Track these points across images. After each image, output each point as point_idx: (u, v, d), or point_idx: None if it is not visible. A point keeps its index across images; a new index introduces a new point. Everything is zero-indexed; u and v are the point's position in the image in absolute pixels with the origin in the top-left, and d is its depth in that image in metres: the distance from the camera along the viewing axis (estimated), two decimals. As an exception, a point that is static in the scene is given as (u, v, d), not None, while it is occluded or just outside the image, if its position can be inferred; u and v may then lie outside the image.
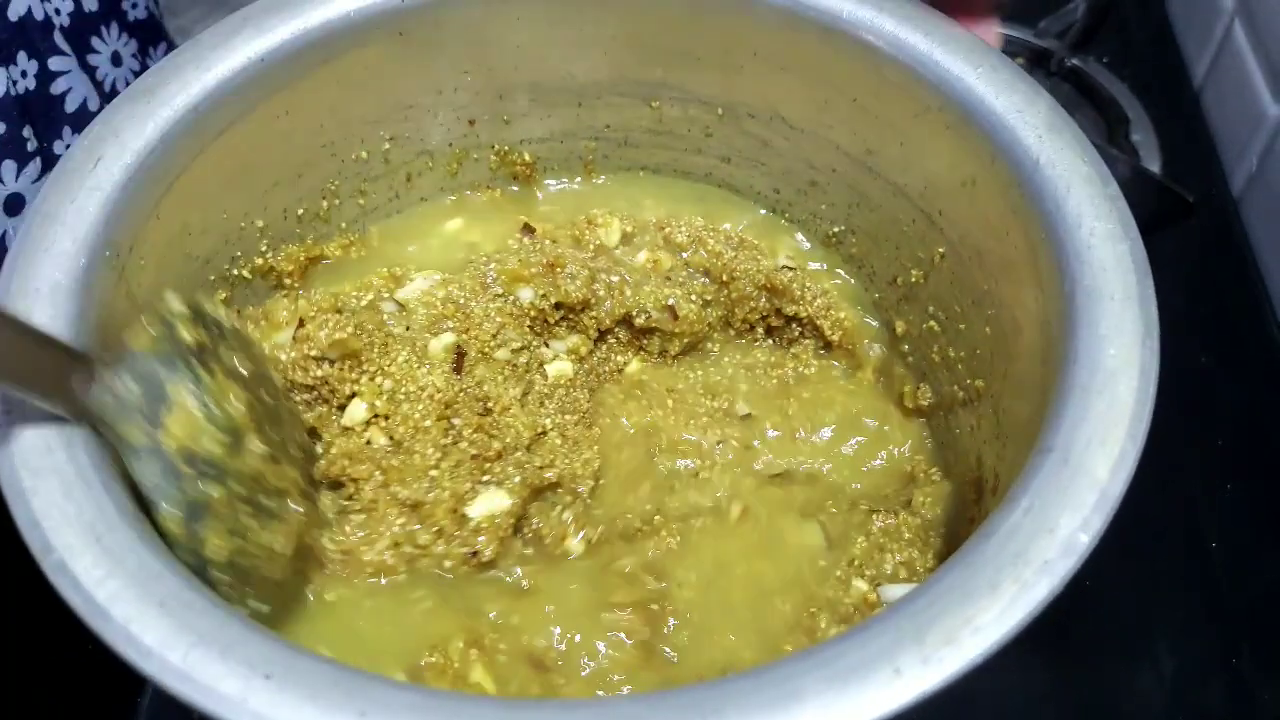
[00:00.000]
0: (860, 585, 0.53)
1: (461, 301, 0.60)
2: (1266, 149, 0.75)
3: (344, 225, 0.65)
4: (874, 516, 0.56)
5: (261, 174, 0.59)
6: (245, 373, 0.50)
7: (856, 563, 0.54)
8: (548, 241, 0.65)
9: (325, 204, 0.64)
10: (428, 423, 0.56)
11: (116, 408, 0.44)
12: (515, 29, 0.62)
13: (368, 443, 0.56)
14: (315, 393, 0.58)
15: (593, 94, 0.66)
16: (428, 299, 0.60)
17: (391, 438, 0.56)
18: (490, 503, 0.54)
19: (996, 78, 0.54)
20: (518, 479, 0.55)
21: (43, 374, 0.43)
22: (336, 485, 0.56)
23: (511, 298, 0.61)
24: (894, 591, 0.53)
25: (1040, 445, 0.42)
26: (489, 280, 0.61)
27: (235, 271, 0.59)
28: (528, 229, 0.67)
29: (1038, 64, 0.89)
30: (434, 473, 0.55)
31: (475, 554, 0.54)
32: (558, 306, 0.61)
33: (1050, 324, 0.48)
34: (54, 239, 0.48)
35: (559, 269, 0.61)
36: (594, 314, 0.61)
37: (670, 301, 0.61)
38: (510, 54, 0.63)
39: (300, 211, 0.62)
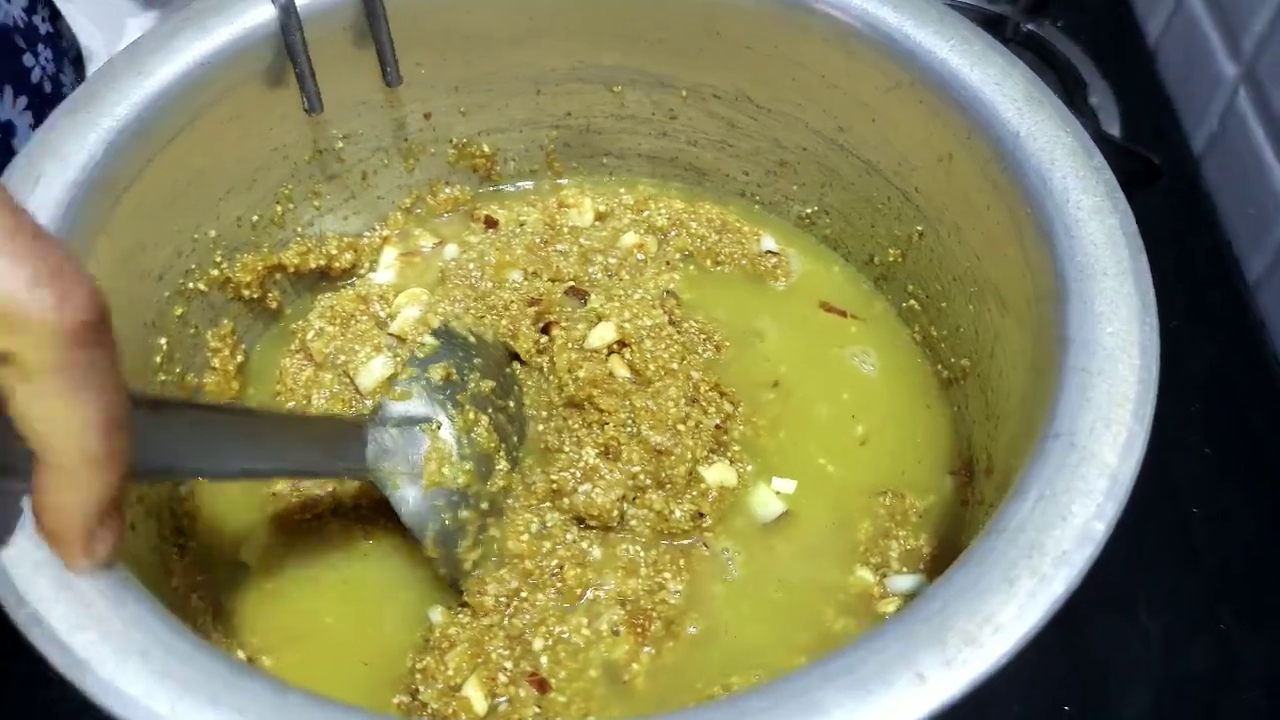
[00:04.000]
0: (866, 575, 0.52)
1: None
2: (1227, 108, 0.75)
3: (299, 230, 0.63)
4: (880, 498, 0.55)
5: (213, 182, 0.57)
6: (487, 389, 0.55)
7: (861, 549, 0.53)
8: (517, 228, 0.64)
9: (279, 209, 0.61)
10: (675, 365, 0.56)
11: (383, 457, 0.51)
12: (467, 20, 0.60)
13: (610, 374, 0.56)
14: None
15: (551, 81, 0.64)
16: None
17: (634, 370, 0.56)
18: (723, 473, 0.54)
19: (970, 50, 0.53)
20: (751, 467, 0.56)
21: (335, 455, 0.50)
22: (576, 406, 0.56)
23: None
24: (901, 583, 0.52)
25: (1044, 431, 0.41)
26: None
27: (191, 285, 0.57)
28: (489, 222, 0.65)
29: (993, 30, 0.87)
30: (681, 427, 0.54)
31: (702, 516, 0.54)
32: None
33: (1041, 301, 0.47)
34: None
35: (550, 245, 0.60)
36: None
37: (670, 287, 0.60)
38: (462, 44, 0.61)
39: (254, 218, 0.60)
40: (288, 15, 0.54)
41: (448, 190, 0.67)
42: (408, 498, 0.52)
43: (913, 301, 0.60)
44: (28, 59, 0.65)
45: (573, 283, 0.60)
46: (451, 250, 0.64)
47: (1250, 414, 0.72)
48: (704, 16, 0.59)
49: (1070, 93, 0.85)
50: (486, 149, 0.66)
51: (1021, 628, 0.36)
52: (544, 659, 0.50)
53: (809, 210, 0.64)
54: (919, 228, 0.58)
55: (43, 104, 0.66)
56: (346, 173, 0.63)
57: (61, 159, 0.49)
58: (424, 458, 0.52)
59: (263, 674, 0.36)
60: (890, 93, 0.55)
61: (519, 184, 0.68)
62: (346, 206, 0.64)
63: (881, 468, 0.57)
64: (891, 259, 0.61)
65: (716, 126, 0.64)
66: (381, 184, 0.65)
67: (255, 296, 0.60)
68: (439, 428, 0.53)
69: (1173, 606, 0.67)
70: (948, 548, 0.54)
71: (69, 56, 0.71)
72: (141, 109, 0.51)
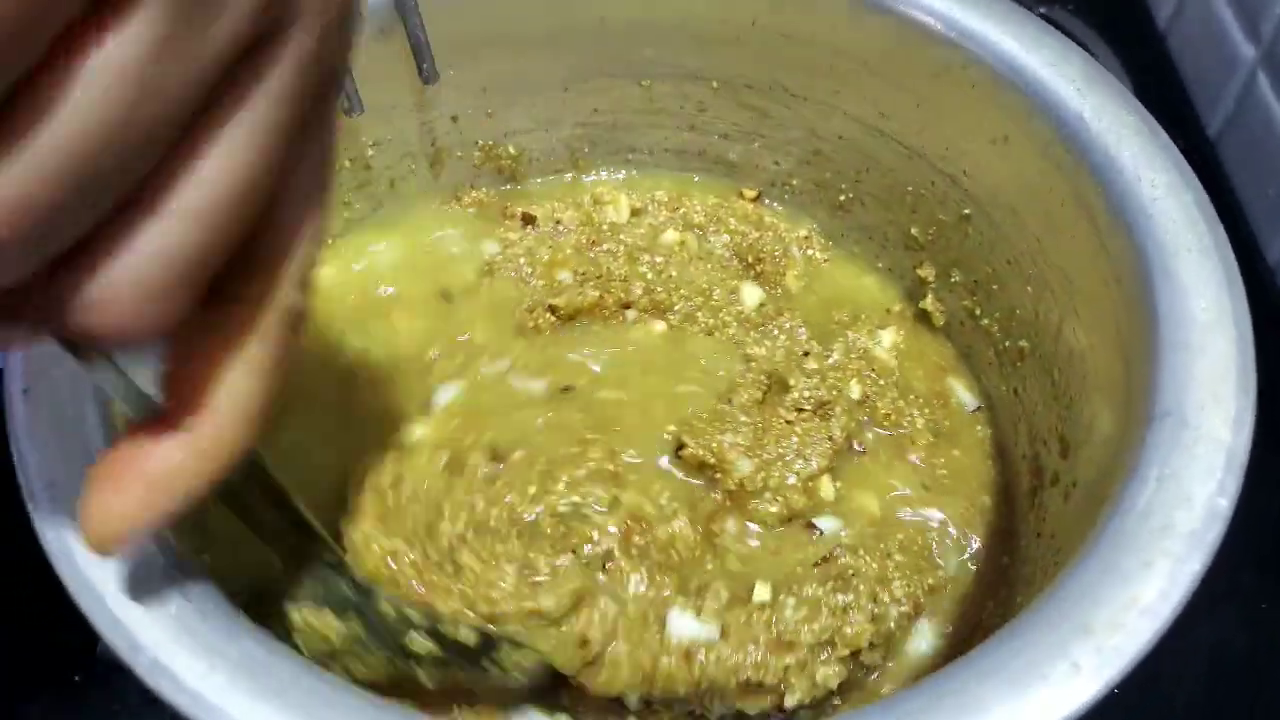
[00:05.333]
0: None
1: None
2: (1244, 91, 0.75)
3: (330, 240, 0.61)
4: None
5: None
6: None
7: None
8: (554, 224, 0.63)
9: (311, 220, 0.59)
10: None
11: None
12: (500, 17, 0.58)
13: None
14: None
15: (580, 77, 0.62)
16: None
17: None
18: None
19: (1023, 33, 0.53)
20: None
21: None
22: None
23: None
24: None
25: (1149, 410, 0.41)
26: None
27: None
28: (527, 219, 0.64)
29: (996, 12, 0.88)
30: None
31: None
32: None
33: (1122, 281, 0.47)
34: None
35: (596, 245, 0.59)
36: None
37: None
38: (494, 42, 0.59)
39: (288, 231, 0.58)
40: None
41: (473, 193, 0.65)
42: None
43: (956, 282, 0.60)
44: None
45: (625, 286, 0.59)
46: (492, 247, 0.62)
47: (1273, 396, 0.72)
48: (740, 6, 0.58)
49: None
50: (513, 150, 0.65)
51: (1165, 609, 0.36)
52: None
53: (843, 198, 0.64)
54: (966, 210, 0.58)
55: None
56: (374, 180, 0.62)
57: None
58: None
59: (411, 712, 0.35)
60: (938, 77, 0.55)
61: (544, 179, 0.67)
62: (374, 216, 0.63)
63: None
64: (932, 241, 0.61)
65: (748, 118, 0.63)
66: (408, 190, 0.63)
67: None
68: None
69: (1214, 585, 0.67)
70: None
71: None
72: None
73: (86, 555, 0.36)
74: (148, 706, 0.51)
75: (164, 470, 0.29)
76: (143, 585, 0.36)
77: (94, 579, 0.36)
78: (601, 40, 0.61)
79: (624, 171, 0.67)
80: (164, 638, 0.35)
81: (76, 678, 0.56)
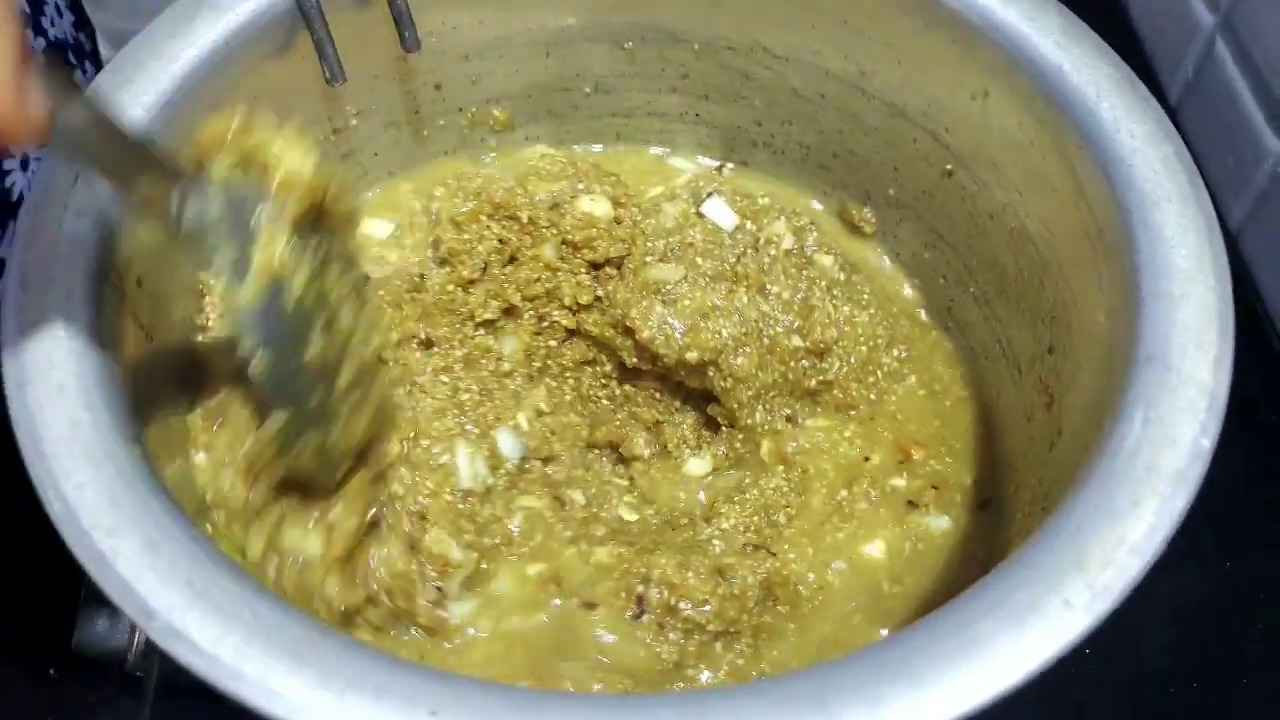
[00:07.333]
0: None
1: None
2: (1203, 58, 0.76)
3: (316, 211, 0.61)
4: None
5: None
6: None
7: None
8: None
9: (297, 191, 0.59)
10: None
11: (202, 225, 0.42)
12: (481, -18, 0.59)
13: None
14: None
15: (562, 42, 0.63)
16: None
17: None
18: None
19: (1000, -13, 0.53)
20: None
21: (141, 179, 0.40)
22: None
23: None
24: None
25: (1134, 356, 0.42)
26: None
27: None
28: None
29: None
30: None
31: None
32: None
33: (1104, 231, 0.48)
34: (50, 266, 0.44)
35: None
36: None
37: None
38: (475, 10, 0.60)
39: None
40: (305, -14, 0.52)
41: (454, 163, 0.65)
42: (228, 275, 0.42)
43: (943, 244, 0.61)
44: (76, 75, 0.65)
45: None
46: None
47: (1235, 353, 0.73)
48: (721, -33, 0.59)
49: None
50: (497, 114, 0.65)
51: (1152, 546, 0.38)
52: None
53: (826, 156, 0.64)
54: (948, 166, 0.59)
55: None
56: (359, 149, 0.62)
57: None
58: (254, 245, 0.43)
59: (425, 666, 0.35)
60: (919, 35, 0.56)
61: (529, 148, 0.67)
62: (360, 183, 0.63)
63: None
64: (914, 198, 0.61)
65: (730, 79, 0.64)
66: (391, 160, 0.64)
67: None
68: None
69: (1176, 544, 0.67)
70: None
71: None
72: (168, 95, 0.50)
73: (97, 527, 0.37)
74: (124, 698, 0.52)
75: None
76: (152, 553, 0.37)
77: (105, 549, 0.37)
78: (581, 4, 0.61)
79: (605, 137, 0.67)
80: (178, 603, 0.36)
81: (52, 671, 0.56)
